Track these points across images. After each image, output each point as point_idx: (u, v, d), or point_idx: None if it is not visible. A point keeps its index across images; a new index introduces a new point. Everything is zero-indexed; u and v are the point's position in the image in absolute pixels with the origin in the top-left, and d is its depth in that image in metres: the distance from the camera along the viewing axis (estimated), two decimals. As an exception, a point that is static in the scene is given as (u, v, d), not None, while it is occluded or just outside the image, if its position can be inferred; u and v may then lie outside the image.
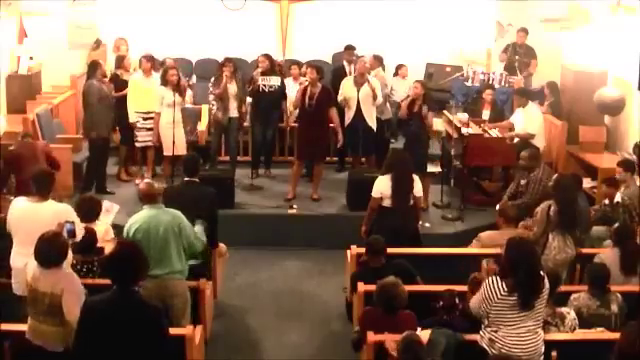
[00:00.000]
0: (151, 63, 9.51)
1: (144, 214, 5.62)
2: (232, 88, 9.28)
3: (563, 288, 5.62)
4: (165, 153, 8.98)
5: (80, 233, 5.71)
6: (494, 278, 4.77)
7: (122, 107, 9.32)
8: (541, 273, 4.82)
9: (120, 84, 9.54)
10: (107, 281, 4.38)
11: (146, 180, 5.93)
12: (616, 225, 6.61)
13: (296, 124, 9.60)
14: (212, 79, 9.54)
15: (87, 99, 9.06)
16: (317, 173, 9.11)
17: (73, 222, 5.94)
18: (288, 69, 10.70)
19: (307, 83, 8.95)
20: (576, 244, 6.37)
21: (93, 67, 9.17)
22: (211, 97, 9.41)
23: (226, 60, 9.45)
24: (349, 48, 10.20)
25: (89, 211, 6.27)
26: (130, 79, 9.50)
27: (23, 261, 5.42)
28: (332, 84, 9.75)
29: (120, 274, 4.16)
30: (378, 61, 10.43)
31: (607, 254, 6.23)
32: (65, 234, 5.38)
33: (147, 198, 5.67)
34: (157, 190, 5.73)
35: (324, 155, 9.31)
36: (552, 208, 6.27)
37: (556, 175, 7.06)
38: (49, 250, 4.79)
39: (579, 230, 6.51)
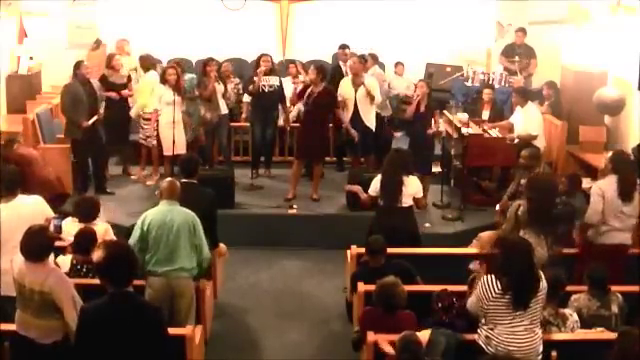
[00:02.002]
0: (140, 62, 9.63)
1: (161, 208, 5.67)
2: (219, 87, 9.31)
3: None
4: (165, 153, 8.99)
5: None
6: (489, 277, 4.79)
7: (112, 107, 9.28)
8: (538, 273, 4.83)
9: (107, 85, 9.46)
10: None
11: (169, 178, 5.93)
12: (611, 153, 6.82)
13: (296, 124, 9.61)
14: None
15: (62, 100, 8.97)
16: (316, 173, 9.11)
17: (61, 218, 5.98)
18: (286, 68, 10.71)
19: (305, 83, 8.92)
20: (552, 245, 6.19)
21: (75, 67, 9.01)
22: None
23: (209, 60, 9.45)
24: (342, 47, 10.19)
25: (87, 211, 6.28)
26: None
27: (5, 261, 5.43)
28: (330, 84, 9.76)
29: (112, 274, 4.12)
30: (373, 59, 10.42)
31: (606, 181, 6.44)
32: (52, 229, 5.43)
33: (167, 194, 5.70)
34: (177, 188, 5.76)
35: (323, 155, 9.29)
36: (521, 208, 6.26)
37: (531, 175, 7.01)
38: (34, 244, 4.80)
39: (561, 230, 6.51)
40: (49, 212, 5.98)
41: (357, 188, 7.04)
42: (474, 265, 5.63)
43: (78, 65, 8.99)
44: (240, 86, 10.02)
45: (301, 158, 9.09)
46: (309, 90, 8.74)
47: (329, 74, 9.49)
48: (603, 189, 6.38)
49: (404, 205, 6.87)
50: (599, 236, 6.43)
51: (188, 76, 9.63)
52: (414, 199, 6.92)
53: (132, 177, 9.75)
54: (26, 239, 4.82)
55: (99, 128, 9.01)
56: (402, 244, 6.61)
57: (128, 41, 10.56)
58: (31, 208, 5.80)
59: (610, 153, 6.86)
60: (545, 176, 7.02)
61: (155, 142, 9.32)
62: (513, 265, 4.73)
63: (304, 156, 9.06)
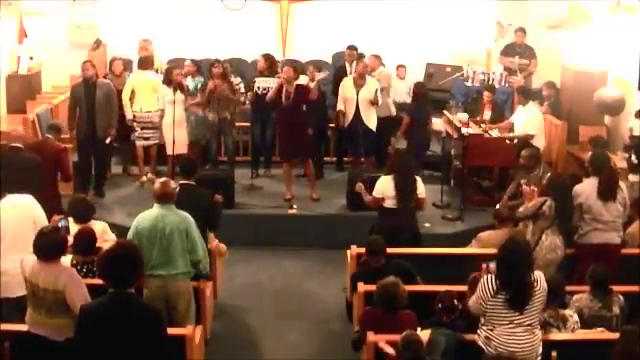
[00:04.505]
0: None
1: (153, 213, 5.59)
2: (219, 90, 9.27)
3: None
4: (168, 152, 9.05)
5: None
6: (488, 277, 4.80)
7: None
8: (534, 274, 4.82)
9: None
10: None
11: (163, 179, 5.80)
12: (590, 154, 6.93)
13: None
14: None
15: (69, 102, 8.99)
16: (308, 172, 9.05)
17: (67, 219, 5.98)
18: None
19: (282, 81, 8.69)
20: (566, 245, 6.43)
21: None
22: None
23: (215, 61, 9.46)
24: (350, 48, 10.21)
25: (82, 212, 6.29)
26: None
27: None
28: (333, 84, 9.77)
29: (116, 275, 4.11)
30: (379, 60, 10.43)
31: (585, 183, 6.56)
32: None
33: (159, 197, 5.60)
34: (171, 190, 5.65)
35: (307, 155, 9.00)
36: (548, 203, 6.31)
37: (549, 174, 7.11)
38: (49, 244, 4.85)
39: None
40: (39, 213, 5.85)
41: (363, 191, 7.01)
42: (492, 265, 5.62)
43: (81, 66, 8.97)
44: (241, 85, 10.00)
45: (285, 158, 8.98)
46: (284, 89, 8.62)
47: (334, 74, 9.54)
48: (580, 191, 6.49)
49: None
50: (583, 236, 6.51)
51: (197, 79, 9.62)
52: (417, 199, 6.92)
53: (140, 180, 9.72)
54: (40, 240, 4.86)
55: (100, 129, 8.93)
56: (405, 244, 6.62)
57: (151, 41, 10.51)
58: (22, 207, 5.76)
59: (589, 155, 6.92)
60: (561, 175, 7.11)
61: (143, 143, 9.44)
62: (508, 266, 4.74)
63: (288, 156, 8.93)
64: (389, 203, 6.84)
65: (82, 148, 8.96)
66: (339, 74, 10.00)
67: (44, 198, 6.15)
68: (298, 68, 9.10)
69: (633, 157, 8.23)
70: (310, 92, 8.78)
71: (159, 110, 9.26)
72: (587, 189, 6.48)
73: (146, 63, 9.61)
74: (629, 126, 9.19)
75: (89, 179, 9.07)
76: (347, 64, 10.14)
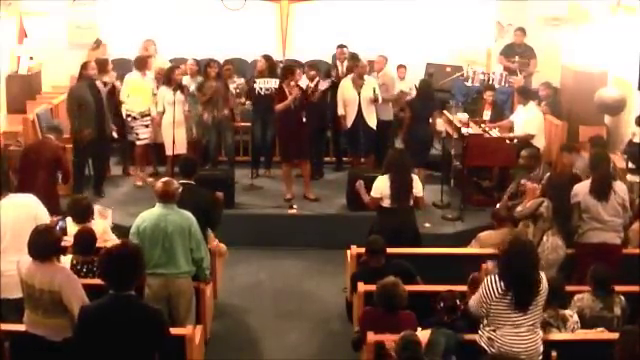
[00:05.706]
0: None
1: (155, 212, 5.59)
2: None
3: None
4: (167, 153, 9.03)
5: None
6: (492, 277, 4.78)
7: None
8: (539, 274, 4.82)
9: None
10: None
11: (165, 179, 5.79)
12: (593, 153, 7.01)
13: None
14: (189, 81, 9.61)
15: (68, 104, 8.90)
16: (304, 173, 9.05)
17: (64, 219, 5.99)
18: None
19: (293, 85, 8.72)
20: (567, 245, 6.45)
21: (81, 68, 8.95)
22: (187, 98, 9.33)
23: (210, 61, 9.46)
24: (341, 46, 10.24)
25: (81, 212, 6.28)
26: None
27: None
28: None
29: (117, 276, 4.10)
30: (386, 61, 10.42)
31: (583, 183, 6.61)
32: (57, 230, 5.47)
33: (161, 196, 5.60)
34: (173, 190, 5.63)
35: (304, 155, 8.99)
36: (545, 204, 6.32)
37: (548, 174, 7.13)
38: (43, 242, 4.82)
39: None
40: (41, 213, 5.87)
41: (363, 190, 7.00)
42: (491, 264, 5.62)
43: (85, 66, 8.91)
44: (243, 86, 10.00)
45: (285, 160, 8.99)
46: (288, 91, 8.60)
47: (324, 74, 9.56)
48: (577, 190, 6.53)
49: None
50: (582, 236, 6.53)
51: (198, 79, 9.63)
52: (415, 198, 6.92)
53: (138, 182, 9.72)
54: (35, 239, 4.83)
55: (108, 128, 8.97)
56: (406, 244, 6.62)
57: (153, 41, 10.51)
58: (23, 207, 5.79)
59: (591, 154, 6.97)
60: (561, 174, 7.12)
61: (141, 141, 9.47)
62: (514, 265, 4.73)
63: (290, 157, 8.93)
64: (387, 203, 6.84)
65: (85, 148, 8.90)
66: (329, 74, 9.99)
67: (43, 198, 6.14)
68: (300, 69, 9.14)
69: (630, 164, 8.27)
70: (309, 94, 8.80)
71: (137, 112, 9.31)
72: (584, 188, 6.50)
73: (137, 63, 9.61)
74: (631, 132, 9.17)
75: (84, 179, 9.05)
76: (338, 63, 10.16)
